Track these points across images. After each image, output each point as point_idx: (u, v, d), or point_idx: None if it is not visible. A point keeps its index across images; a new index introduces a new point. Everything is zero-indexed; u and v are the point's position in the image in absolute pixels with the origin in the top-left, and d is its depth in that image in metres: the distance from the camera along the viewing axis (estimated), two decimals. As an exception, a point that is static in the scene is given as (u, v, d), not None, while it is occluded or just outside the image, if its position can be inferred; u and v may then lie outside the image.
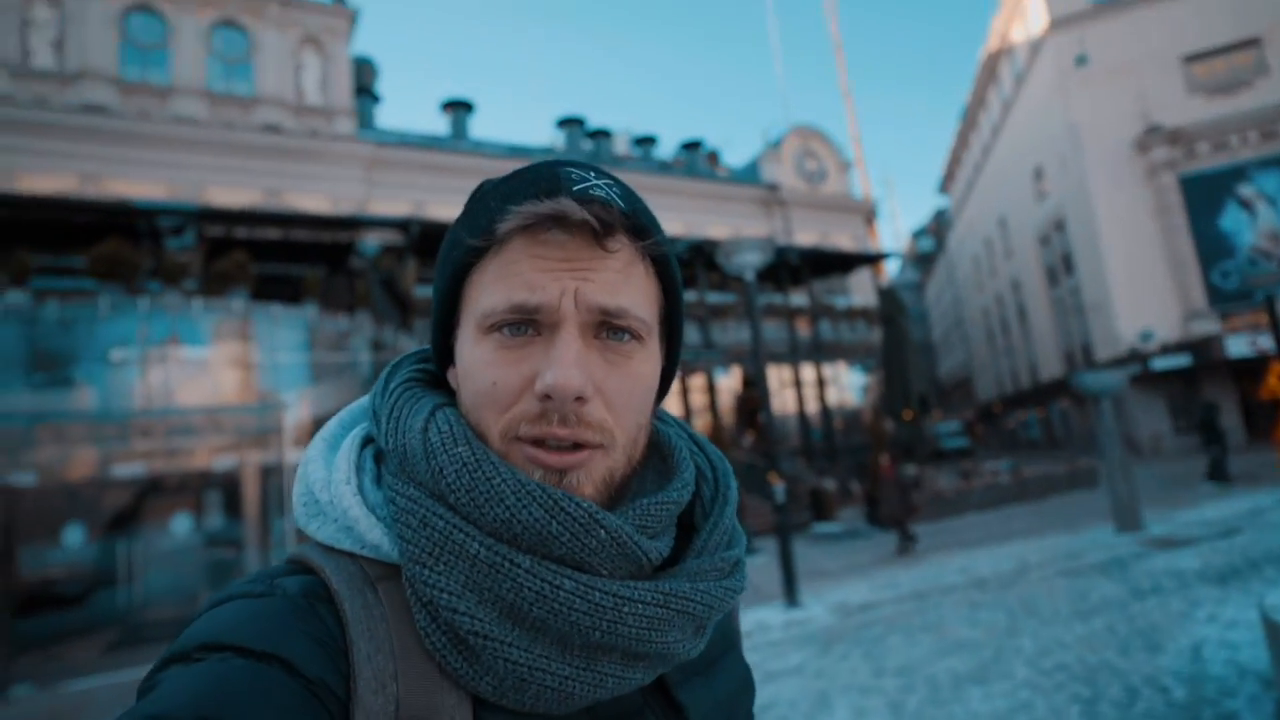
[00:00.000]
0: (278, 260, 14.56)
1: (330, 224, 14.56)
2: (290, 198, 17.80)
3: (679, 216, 24.01)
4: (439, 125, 24.12)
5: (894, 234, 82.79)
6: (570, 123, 27.94)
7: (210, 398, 11.09)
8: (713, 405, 18.42)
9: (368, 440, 0.60)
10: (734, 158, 40.58)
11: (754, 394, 18.33)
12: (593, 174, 0.56)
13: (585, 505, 0.51)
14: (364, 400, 0.65)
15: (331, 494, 0.55)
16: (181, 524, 9.69)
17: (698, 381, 19.53)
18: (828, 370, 21.05)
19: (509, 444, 0.53)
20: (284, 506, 10.20)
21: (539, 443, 0.52)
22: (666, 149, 31.91)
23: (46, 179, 15.45)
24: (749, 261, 8.18)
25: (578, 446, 0.53)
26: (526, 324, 0.53)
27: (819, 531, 13.70)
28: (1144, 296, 25.78)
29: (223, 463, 10.26)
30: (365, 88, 23.85)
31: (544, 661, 0.49)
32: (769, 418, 8.44)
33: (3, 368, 10.15)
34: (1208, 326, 24.56)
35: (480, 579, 0.49)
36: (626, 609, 0.51)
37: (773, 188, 26.09)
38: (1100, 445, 10.44)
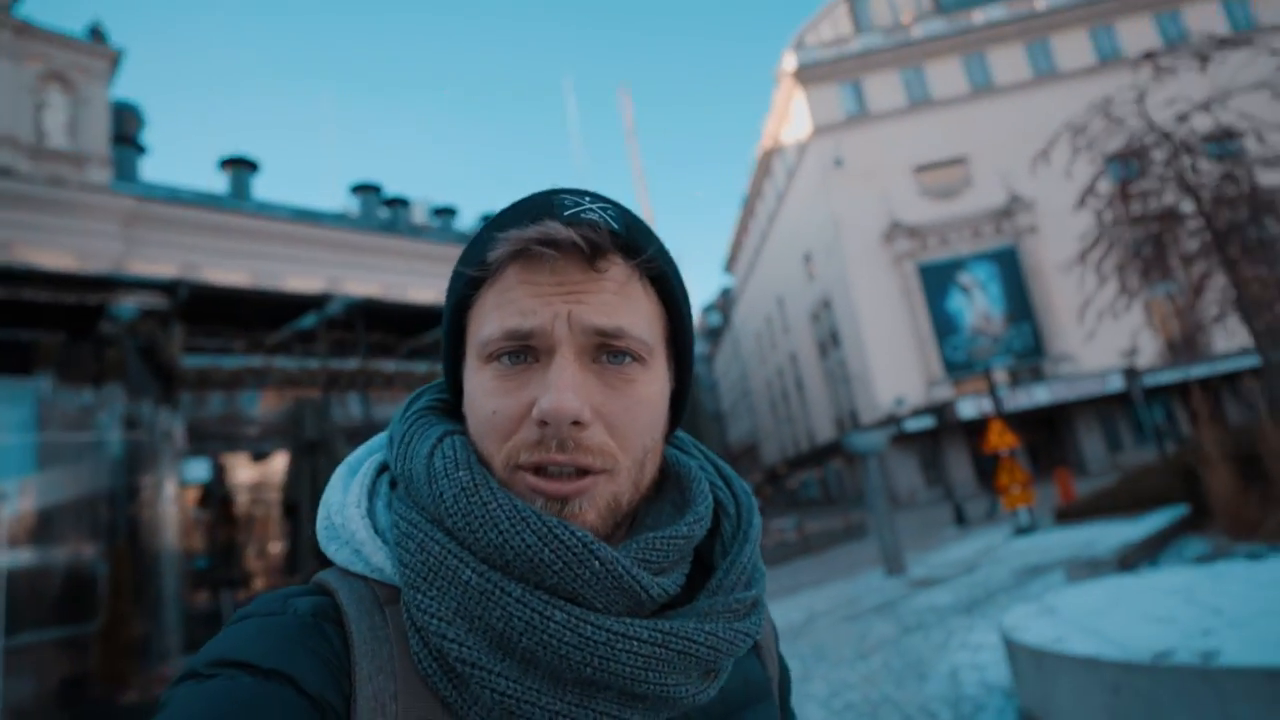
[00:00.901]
0: (2, 324, 12.37)
1: (77, 284, 12.69)
2: (22, 250, 15.35)
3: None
4: (217, 183, 22.53)
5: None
6: (365, 189, 27.10)
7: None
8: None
9: (384, 466, 0.61)
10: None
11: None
12: (587, 199, 0.55)
13: (580, 534, 0.49)
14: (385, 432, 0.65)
15: (344, 517, 0.56)
16: None
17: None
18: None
19: (511, 473, 0.53)
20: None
21: (539, 470, 0.52)
22: (467, 220, 31.87)
23: None
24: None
25: (581, 473, 0.52)
26: (524, 351, 0.53)
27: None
28: (896, 367, 29.61)
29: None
30: (128, 136, 21.50)
31: (534, 695, 0.48)
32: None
33: None
34: (945, 392, 28.68)
35: (471, 606, 0.49)
36: (620, 645, 0.49)
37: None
38: (869, 499, 11.65)
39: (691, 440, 0.68)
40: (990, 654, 5.60)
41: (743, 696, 0.61)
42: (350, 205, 27.97)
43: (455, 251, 24.07)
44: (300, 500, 12.26)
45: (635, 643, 0.49)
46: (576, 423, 0.51)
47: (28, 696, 9.38)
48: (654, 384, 0.56)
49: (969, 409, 27.26)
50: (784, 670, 0.72)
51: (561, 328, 0.52)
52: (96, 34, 17.63)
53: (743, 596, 0.57)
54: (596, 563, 0.49)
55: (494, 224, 0.56)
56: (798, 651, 7.34)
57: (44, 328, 13.16)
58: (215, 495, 15.78)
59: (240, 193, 23.53)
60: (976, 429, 27.19)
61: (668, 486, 0.61)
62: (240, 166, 23.91)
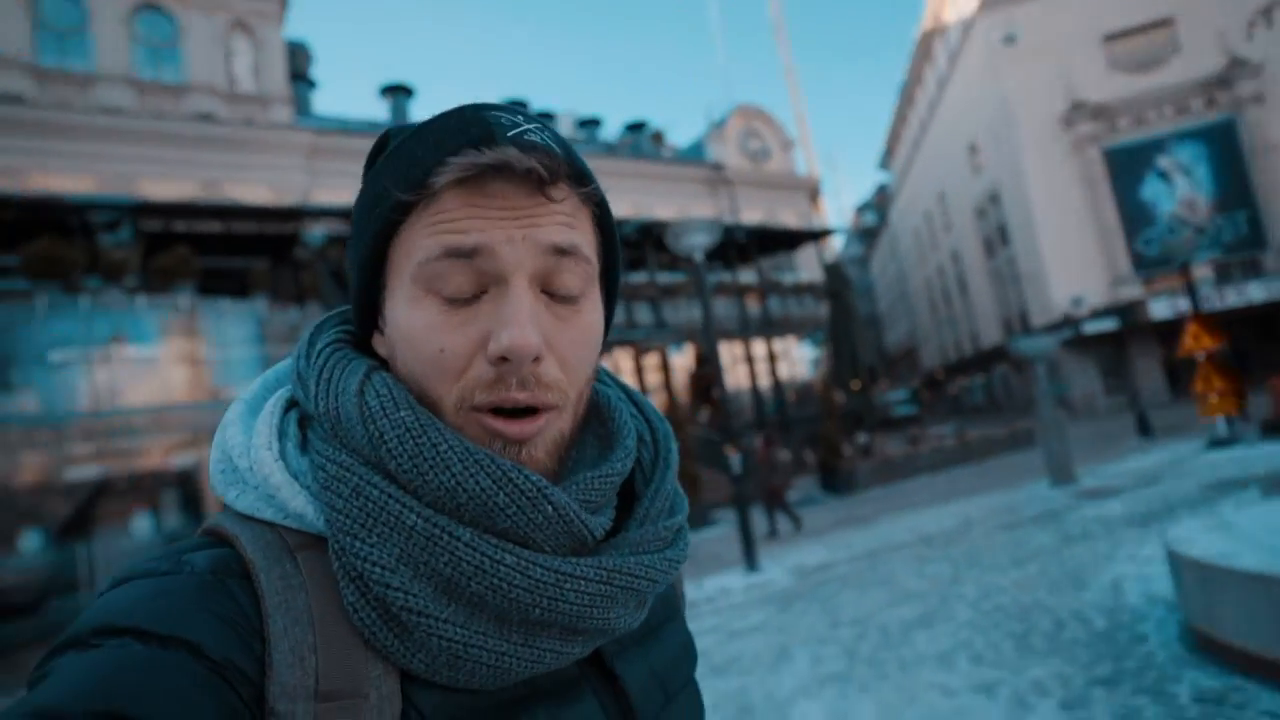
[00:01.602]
0: (220, 254, 14.25)
1: (273, 215, 14.29)
2: (229, 189, 17.34)
3: (626, 197, 24.14)
4: (379, 111, 24.18)
5: (839, 209, 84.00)
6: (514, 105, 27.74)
7: (160, 396, 10.90)
8: (667, 383, 18.74)
9: (291, 404, 0.56)
10: (679, 138, 40.63)
11: (708, 371, 18.68)
12: (521, 117, 0.51)
13: (534, 479, 0.48)
14: (286, 363, 0.61)
15: (251, 460, 0.51)
16: (141, 524, 9.56)
17: (652, 360, 19.81)
18: (778, 345, 21.56)
19: (464, 415, 0.50)
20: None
21: (496, 411, 0.50)
22: (611, 130, 31.90)
23: (-36, 175, 14.76)
24: (698, 242, 8.41)
25: (534, 411, 0.50)
26: (469, 282, 0.49)
27: (775, 501, 14.18)
28: (1075, 264, 26.97)
29: (180, 461, 10.12)
30: (300, 73, 23.22)
31: (480, 638, 0.47)
32: (723, 393, 8.73)
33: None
34: (1132, 291, 25.87)
35: (416, 552, 0.47)
36: (568, 585, 0.48)
37: (718, 167, 26.39)
38: (1037, 406, 11.05)
39: (603, 368, 0.65)
40: (1160, 566, 5.36)
41: (660, 615, 0.62)
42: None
43: (601, 164, 24.32)
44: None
45: (582, 582, 0.49)
46: (536, 358, 0.49)
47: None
48: (595, 313, 0.55)
49: (1162, 309, 24.50)
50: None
51: (513, 251, 0.49)
52: (269, -22, 18.97)
53: (669, 524, 0.57)
54: (549, 507, 0.48)
55: (421, 141, 0.51)
56: (949, 556, 7.35)
57: (253, 255, 15.04)
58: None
59: (400, 118, 24.88)
60: (1171, 331, 24.54)
61: (589, 418, 0.59)
62: (398, 93, 25.20)
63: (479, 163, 0.47)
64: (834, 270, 17.85)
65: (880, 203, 63.35)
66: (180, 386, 11.19)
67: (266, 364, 12.31)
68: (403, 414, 0.48)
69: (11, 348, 9.96)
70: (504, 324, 0.48)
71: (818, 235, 23.52)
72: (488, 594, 0.47)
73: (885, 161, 54.99)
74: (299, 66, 23.54)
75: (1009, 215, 30.32)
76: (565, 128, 31.69)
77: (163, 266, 10.98)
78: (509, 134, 0.49)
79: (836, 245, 71.58)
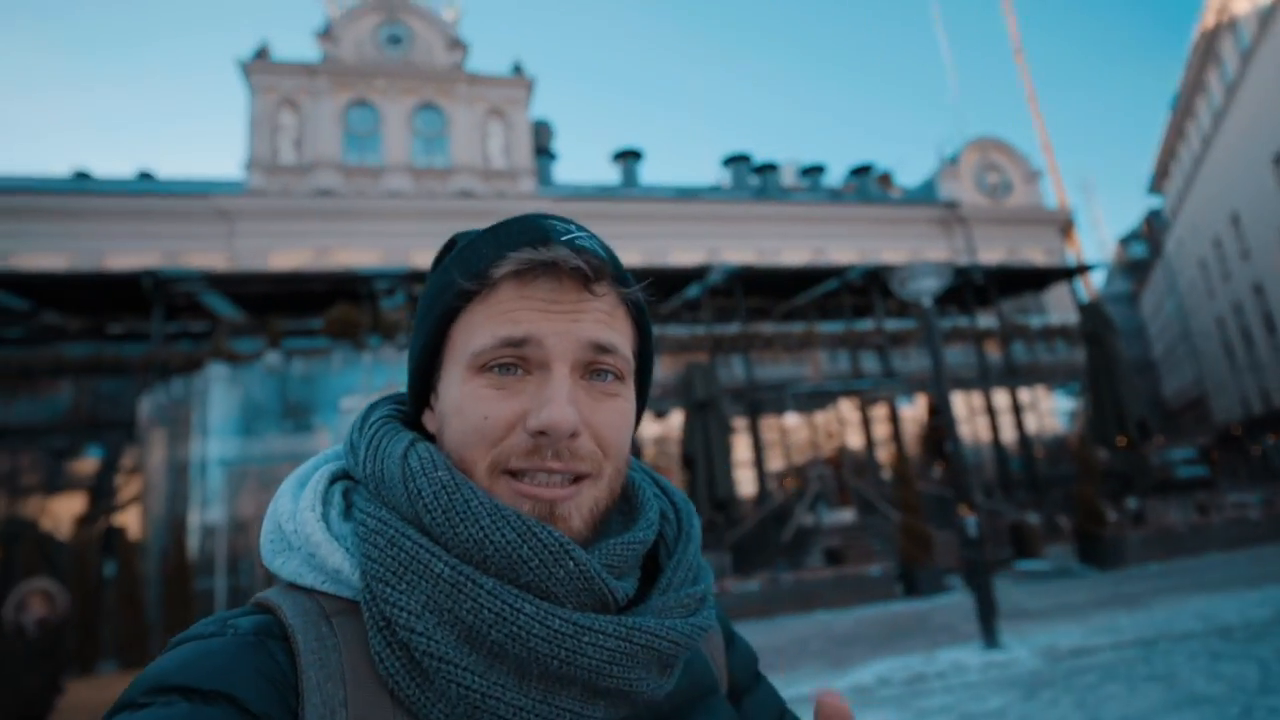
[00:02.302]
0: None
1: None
2: (483, 254, 19.65)
3: (852, 244, 23.52)
4: (611, 174, 26.27)
5: (1098, 242, 74.91)
6: (736, 160, 28.45)
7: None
8: (896, 435, 17.67)
9: (337, 476, 0.61)
10: (908, 178, 39.03)
11: (940, 424, 17.36)
12: (573, 225, 0.59)
13: (557, 534, 0.52)
14: (337, 446, 0.66)
15: (296, 523, 0.56)
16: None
17: (880, 411, 18.84)
18: (1024, 395, 19.47)
19: (495, 478, 0.55)
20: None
21: (521, 476, 0.54)
22: (835, 176, 31.47)
23: (290, 255, 18.23)
24: (926, 287, 7.94)
25: (571, 480, 0.55)
26: (516, 364, 0.55)
27: (1022, 569, 12.64)
28: None
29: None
30: (544, 148, 25.87)
31: (499, 690, 0.49)
32: (956, 447, 8.06)
33: (262, 416, 12.06)
34: None
35: (442, 599, 0.50)
36: (586, 639, 0.50)
37: (951, 205, 24.83)
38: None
39: (631, 457, 0.69)
40: None
41: (692, 694, 0.61)
42: (723, 177, 29.68)
43: (825, 210, 24.03)
44: (695, 453, 13.71)
45: (601, 636, 0.50)
46: (573, 435, 0.54)
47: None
48: (631, 400, 0.60)
49: None
50: (746, 655, 0.73)
51: (558, 342, 0.55)
52: (518, 70, 21.52)
53: (692, 591, 0.59)
54: (571, 562, 0.51)
55: (486, 241, 0.58)
56: (1255, 655, 6.04)
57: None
58: (631, 447, 18.46)
59: (630, 181, 26.64)
60: None
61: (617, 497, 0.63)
62: (628, 157, 27.04)
63: (534, 259, 0.54)
64: (1091, 311, 15.82)
65: (1150, 231, 55.32)
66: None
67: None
68: (440, 474, 0.53)
69: (313, 395, 11.99)
70: (545, 403, 0.53)
71: (1071, 273, 21.08)
72: (507, 642, 0.49)
73: (1155, 184, 48.07)
74: (542, 142, 26.26)
75: (1332, 237, 24.95)
76: (788, 178, 31.89)
77: (428, 325, 12.64)
78: (561, 237, 0.56)
79: (1096, 283, 63.61)
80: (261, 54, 19.77)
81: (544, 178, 24.90)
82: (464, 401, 0.55)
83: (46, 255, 17.60)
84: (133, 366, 14.29)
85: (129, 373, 14.32)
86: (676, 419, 16.05)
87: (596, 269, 0.56)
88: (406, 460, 0.55)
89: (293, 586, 0.55)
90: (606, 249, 0.59)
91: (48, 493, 15.26)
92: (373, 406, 0.65)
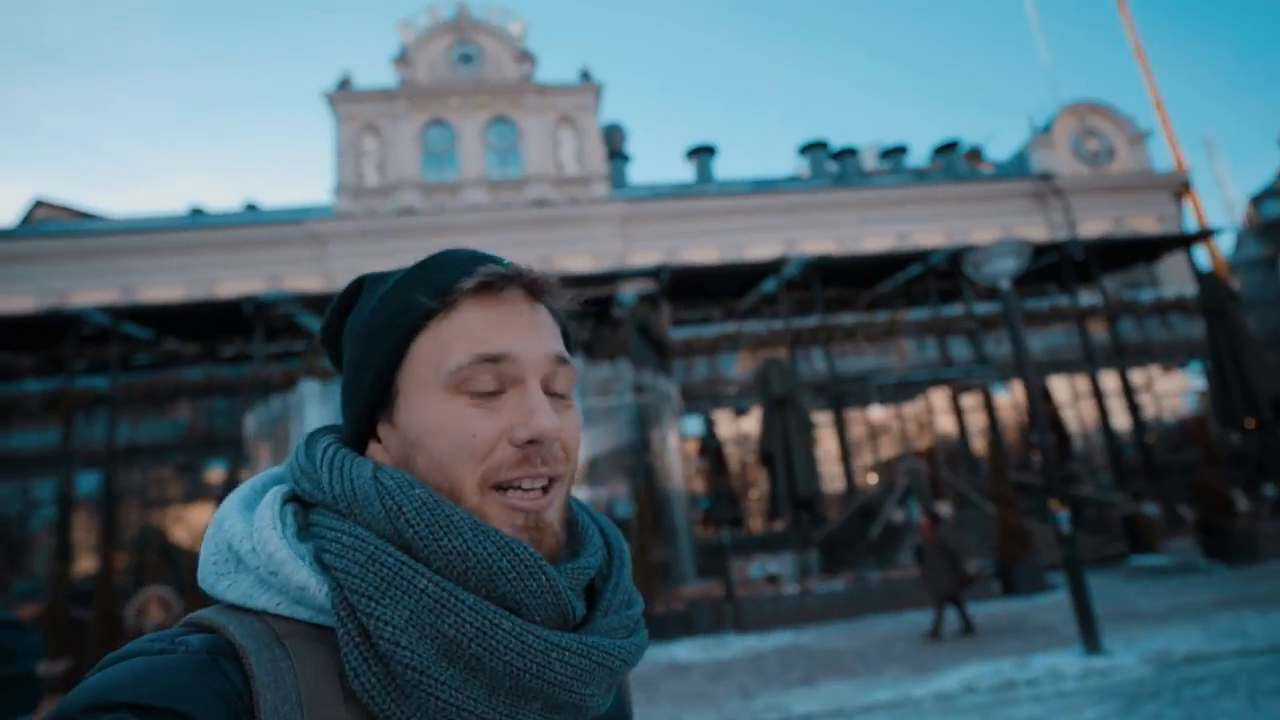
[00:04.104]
0: (551, 318, 16.34)
1: (590, 281, 16.02)
2: (559, 260, 19.92)
3: (938, 225, 22.46)
4: (685, 172, 26.09)
5: (1224, 203, 68.74)
6: (812, 147, 27.73)
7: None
8: (992, 425, 16.73)
9: (287, 499, 0.61)
10: (997, 152, 36.85)
11: (1037, 411, 16.35)
12: (502, 258, 0.64)
13: (530, 550, 0.55)
14: (273, 470, 0.67)
15: (254, 542, 0.55)
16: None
17: (973, 400, 17.90)
18: (1137, 376, 18.05)
19: (485, 493, 0.57)
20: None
21: (507, 489, 0.57)
22: (919, 156, 30.16)
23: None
24: (1004, 268, 7.45)
25: (547, 488, 0.59)
26: (494, 389, 0.58)
27: (1138, 565, 11.70)
28: None
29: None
30: (617, 151, 26.01)
31: (472, 704, 0.50)
32: (1043, 438, 7.52)
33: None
34: None
35: (424, 614, 0.51)
36: (555, 655, 0.53)
37: (1046, 177, 23.30)
38: None
39: None
40: None
41: (613, 715, 0.65)
42: (800, 166, 29.00)
43: (908, 193, 23.04)
44: (773, 451, 13.43)
45: (566, 653, 0.53)
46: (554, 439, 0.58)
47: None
48: (577, 409, 0.64)
49: None
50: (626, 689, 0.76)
51: (529, 358, 0.59)
52: (585, 76, 21.72)
53: (629, 614, 0.62)
54: (543, 576, 0.54)
55: (435, 268, 0.61)
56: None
57: (575, 319, 16.95)
58: (709, 447, 18.27)
59: (705, 177, 26.40)
60: None
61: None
62: (702, 153, 26.81)
63: (497, 271, 0.59)
64: (1211, 282, 14.44)
65: (1289, 188, 50.10)
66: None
67: (586, 415, 13.73)
68: (418, 491, 0.55)
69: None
70: (532, 414, 0.57)
71: (1187, 240, 19.38)
72: (485, 655, 0.51)
73: (1291, 137, 43.58)
74: (615, 145, 26.41)
75: None
76: (868, 162, 30.82)
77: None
78: (504, 261, 0.61)
79: (1223, 248, 58.25)
80: (344, 84, 20.79)
81: (618, 180, 25.04)
82: (446, 421, 0.57)
83: (166, 286, 19.12)
84: (239, 386, 15.32)
85: (237, 392, 15.37)
86: (756, 417, 15.77)
87: (542, 283, 0.61)
88: (379, 480, 0.56)
89: (234, 609, 0.54)
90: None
91: (174, 505, 16.60)
92: (313, 437, 0.66)
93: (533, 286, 0.61)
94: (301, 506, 0.60)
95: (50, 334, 15.49)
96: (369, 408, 0.62)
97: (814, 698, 6.84)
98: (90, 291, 18.39)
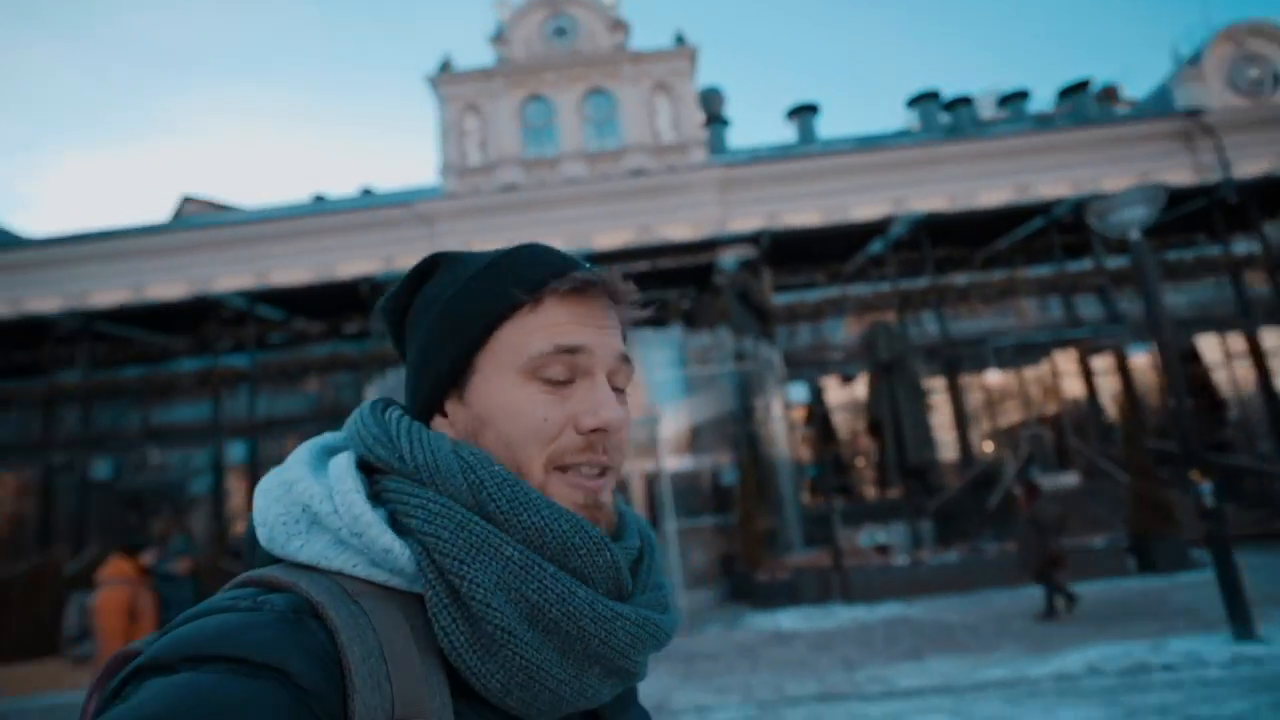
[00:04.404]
0: (653, 288, 16.37)
1: (689, 248, 15.88)
2: (659, 229, 19.82)
3: (1064, 174, 20.68)
4: (787, 133, 25.06)
5: None
6: (923, 98, 26.15)
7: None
8: (1127, 388, 15.42)
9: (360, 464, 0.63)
10: (1135, 90, 33.32)
11: (1177, 373, 14.89)
12: (578, 259, 0.69)
13: (598, 530, 0.60)
14: (328, 436, 0.69)
15: (336, 504, 0.57)
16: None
17: (1105, 362, 16.54)
18: (1305, 332, 16.10)
19: (549, 474, 0.61)
20: (663, 508, 11.36)
21: (571, 470, 0.62)
22: (1042, 100, 27.84)
23: (484, 250, 19.66)
24: (1133, 217, 6.76)
25: (602, 473, 0.63)
26: (565, 379, 0.62)
27: (1304, 542, 10.55)
28: None
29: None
30: (715, 115, 25.48)
31: (548, 665, 0.54)
32: (1181, 400, 6.84)
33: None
34: None
35: (511, 579, 0.55)
36: (618, 624, 0.57)
37: (1193, 113, 20.94)
38: None
39: None
40: None
41: (633, 692, 0.71)
42: (909, 119, 27.44)
43: (1028, 141, 21.32)
44: (881, 419, 12.96)
45: (627, 623, 0.58)
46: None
47: (700, 563, 12.49)
48: (627, 405, 0.68)
49: None
50: None
51: (601, 351, 0.64)
52: (680, 41, 21.28)
53: (661, 594, 0.66)
54: (609, 553, 0.59)
55: (520, 261, 0.66)
56: None
57: (679, 286, 16.89)
58: (816, 414, 17.85)
59: (807, 137, 25.48)
60: None
61: None
62: (804, 113, 25.86)
63: (585, 277, 0.64)
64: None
65: None
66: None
67: (687, 383, 13.71)
68: (497, 468, 0.59)
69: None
70: (601, 405, 0.62)
71: (1369, 175, 16.95)
72: (563, 620, 0.55)
73: None
74: (713, 109, 25.86)
75: None
76: (986, 110, 28.74)
77: (601, 305, 13.04)
78: (585, 265, 0.67)
79: None
80: (445, 67, 21.34)
81: (717, 145, 24.55)
82: (520, 404, 0.61)
83: (294, 270, 20.47)
84: (361, 361, 16.30)
85: (359, 367, 16.37)
86: (864, 383, 15.23)
87: (618, 292, 0.66)
88: (460, 454, 0.59)
89: (300, 568, 0.56)
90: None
91: (310, 474, 17.96)
92: (374, 406, 0.68)
93: (614, 292, 0.66)
94: (366, 474, 0.62)
95: (197, 317, 16.98)
96: (442, 384, 0.65)
97: (921, 672, 6.60)
98: (230, 277, 19.95)
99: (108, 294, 20.04)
